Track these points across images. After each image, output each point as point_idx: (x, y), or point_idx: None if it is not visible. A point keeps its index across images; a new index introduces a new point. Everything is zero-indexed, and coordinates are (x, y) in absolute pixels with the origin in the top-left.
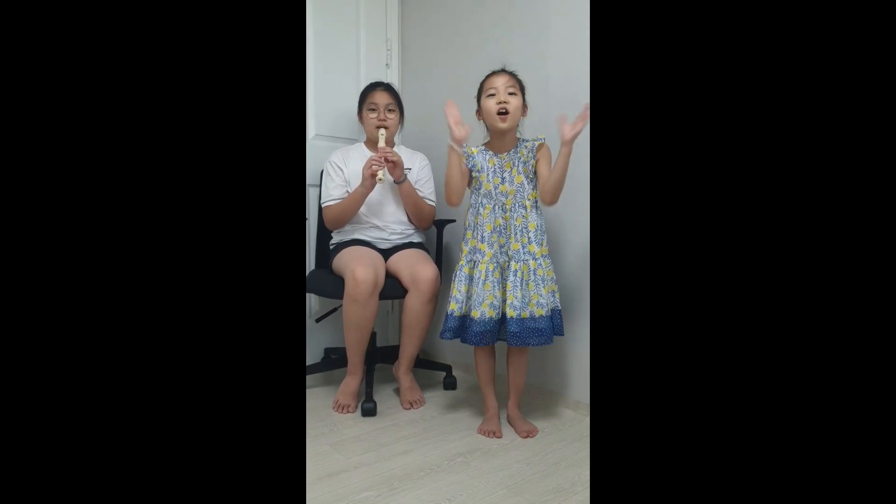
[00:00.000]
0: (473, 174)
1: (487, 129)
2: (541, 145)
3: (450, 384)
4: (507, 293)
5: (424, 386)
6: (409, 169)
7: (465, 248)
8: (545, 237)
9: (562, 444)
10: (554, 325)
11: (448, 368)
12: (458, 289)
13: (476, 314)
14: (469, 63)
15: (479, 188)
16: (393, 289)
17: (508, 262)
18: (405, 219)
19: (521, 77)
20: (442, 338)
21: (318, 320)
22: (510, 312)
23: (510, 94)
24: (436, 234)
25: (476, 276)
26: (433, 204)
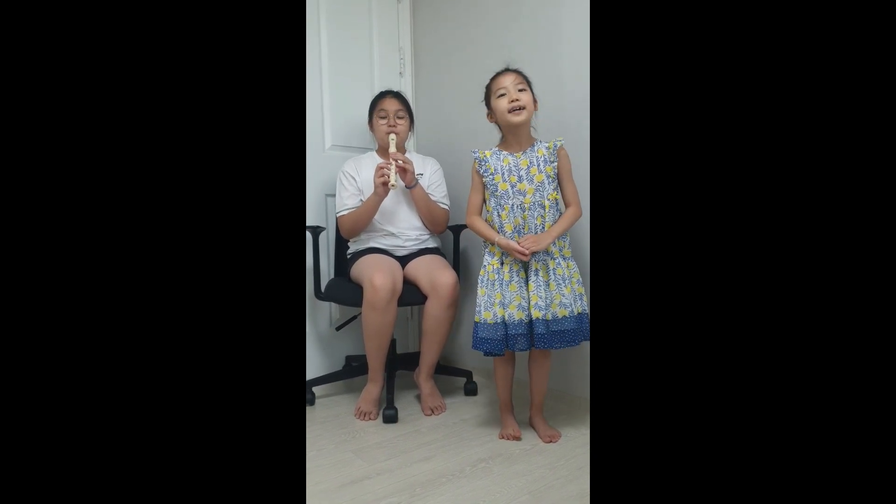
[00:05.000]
0: (486, 178)
1: (500, 129)
2: (560, 148)
3: (471, 390)
4: (531, 294)
5: (445, 392)
6: (421, 174)
7: (497, 252)
8: (567, 239)
9: (585, 449)
10: (582, 328)
11: (469, 374)
12: (488, 293)
13: (503, 314)
14: (482, 68)
15: (496, 190)
16: (412, 295)
17: (529, 262)
18: (419, 224)
19: (526, 73)
20: (476, 349)
21: (338, 328)
22: (535, 314)
23: (520, 90)
24: (453, 240)
25: (501, 279)
26: (446, 207)
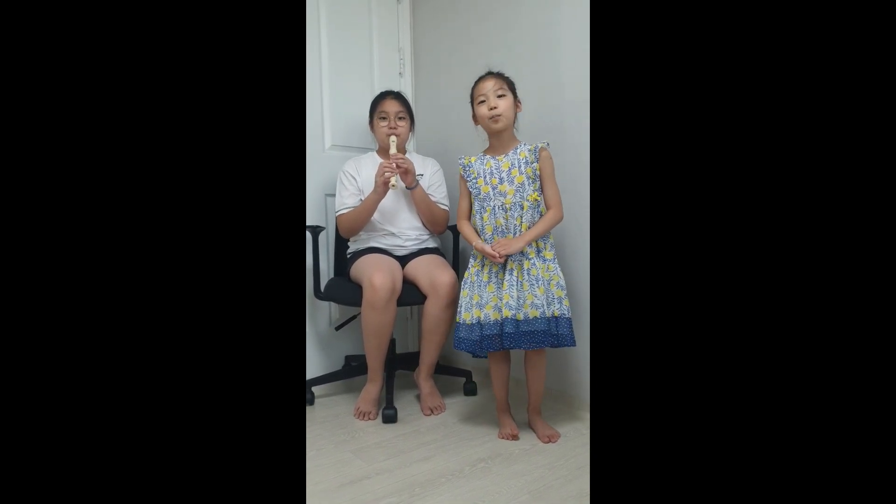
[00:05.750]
0: (469, 183)
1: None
2: (542, 149)
3: (470, 390)
4: (504, 293)
5: (445, 392)
6: (421, 175)
7: (479, 255)
8: (549, 240)
9: (584, 449)
10: (559, 333)
11: (468, 374)
12: (469, 294)
13: (480, 315)
14: (482, 69)
15: (478, 193)
16: (411, 295)
17: (506, 262)
18: (419, 224)
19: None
20: (456, 348)
21: (337, 328)
22: (505, 312)
23: (499, 96)
24: (452, 240)
25: (480, 280)
26: (446, 208)
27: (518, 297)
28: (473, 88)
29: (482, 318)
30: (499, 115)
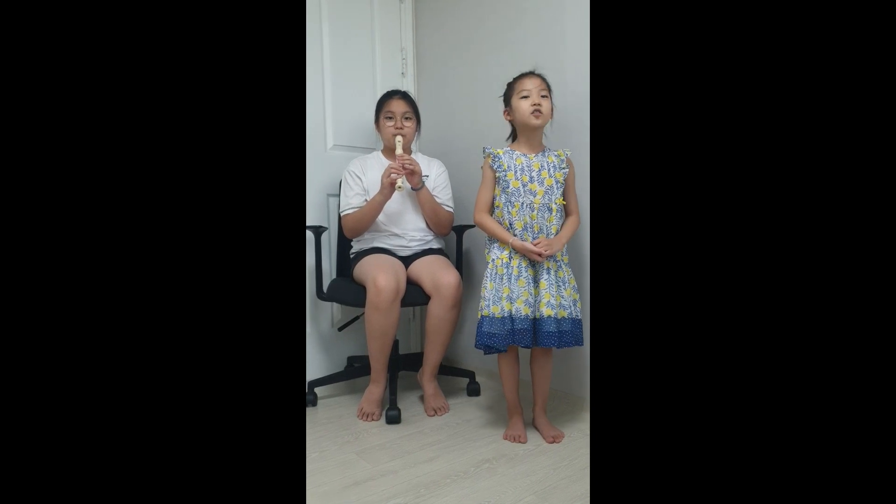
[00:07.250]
0: (498, 174)
1: (515, 129)
2: (568, 159)
3: (474, 390)
4: (543, 292)
5: (448, 393)
6: (427, 176)
7: (507, 248)
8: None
9: (589, 450)
10: (575, 332)
11: (472, 375)
12: (496, 287)
13: (511, 308)
14: (484, 69)
15: (507, 187)
16: (415, 296)
17: (539, 262)
18: (424, 226)
19: (510, 75)
20: (479, 344)
21: (340, 329)
22: (547, 311)
23: (543, 96)
24: (455, 240)
25: (510, 273)
26: (451, 210)
27: (556, 297)
28: (515, 83)
29: (513, 312)
30: (540, 112)
